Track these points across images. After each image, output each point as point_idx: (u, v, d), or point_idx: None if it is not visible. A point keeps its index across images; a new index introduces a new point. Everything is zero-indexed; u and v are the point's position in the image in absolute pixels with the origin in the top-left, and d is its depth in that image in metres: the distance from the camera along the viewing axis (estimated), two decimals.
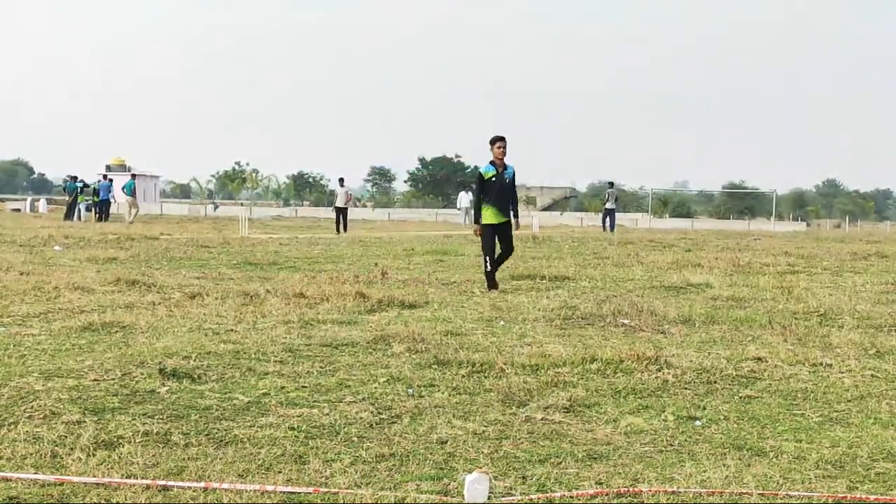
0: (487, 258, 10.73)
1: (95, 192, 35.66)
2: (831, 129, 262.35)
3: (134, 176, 37.27)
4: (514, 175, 10.98)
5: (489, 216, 10.83)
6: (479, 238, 10.93)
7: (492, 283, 10.63)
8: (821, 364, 6.09)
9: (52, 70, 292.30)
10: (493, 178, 10.77)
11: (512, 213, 10.99)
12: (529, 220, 40.55)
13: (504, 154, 10.76)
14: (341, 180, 30.24)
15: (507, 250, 11.00)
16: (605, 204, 34.10)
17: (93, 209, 35.55)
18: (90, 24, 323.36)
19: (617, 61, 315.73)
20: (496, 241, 10.84)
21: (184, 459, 3.88)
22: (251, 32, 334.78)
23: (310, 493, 3.48)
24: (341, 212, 28.39)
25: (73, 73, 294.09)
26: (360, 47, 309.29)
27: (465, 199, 42.15)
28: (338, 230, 27.58)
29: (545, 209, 73.83)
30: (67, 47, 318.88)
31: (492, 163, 10.81)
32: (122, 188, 35.35)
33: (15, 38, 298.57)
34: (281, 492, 3.46)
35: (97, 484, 3.54)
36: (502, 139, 10.76)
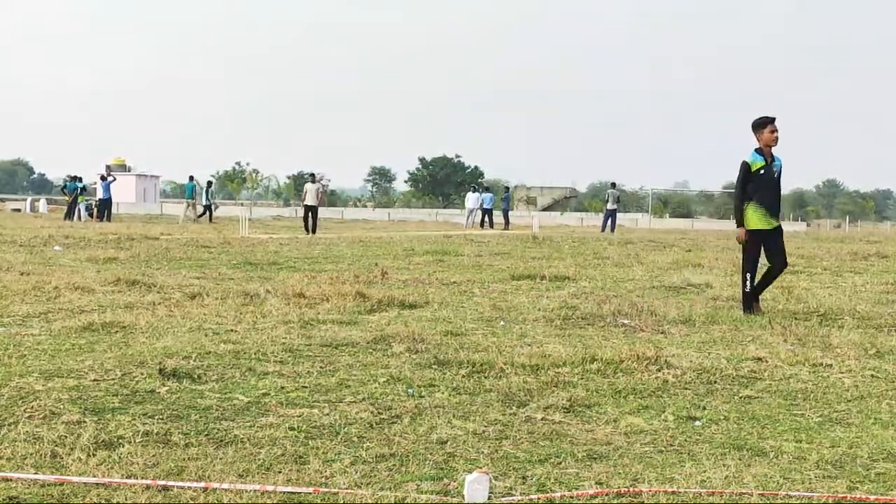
0: (748, 274, 8.51)
1: (84, 190, 35.73)
2: (831, 129, 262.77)
3: (191, 178, 36.78)
4: (781, 169, 8.62)
5: (756, 220, 8.49)
6: (741, 246, 8.79)
7: (750, 306, 8.47)
8: (821, 364, 6.09)
9: (52, 70, 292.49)
10: (762, 171, 8.45)
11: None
12: (529, 220, 40.44)
13: (777, 140, 8.44)
14: (312, 176, 28.61)
15: (780, 264, 8.66)
16: (605, 204, 34.06)
17: (93, 209, 35.54)
18: (90, 24, 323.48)
19: (617, 61, 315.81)
20: (762, 252, 8.67)
21: (184, 459, 3.87)
22: (251, 33, 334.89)
23: (310, 493, 3.47)
24: (311, 210, 26.51)
25: (73, 72, 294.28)
26: (360, 48, 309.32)
27: (472, 199, 38.56)
28: (307, 229, 26.10)
29: (545, 209, 73.78)
30: (67, 47, 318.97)
31: (759, 151, 8.48)
32: (185, 188, 35.71)
33: (15, 38, 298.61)
34: (281, 492, 3.46)
35: (97, 484, 3.54)
36: (774, 121, 8.43)
